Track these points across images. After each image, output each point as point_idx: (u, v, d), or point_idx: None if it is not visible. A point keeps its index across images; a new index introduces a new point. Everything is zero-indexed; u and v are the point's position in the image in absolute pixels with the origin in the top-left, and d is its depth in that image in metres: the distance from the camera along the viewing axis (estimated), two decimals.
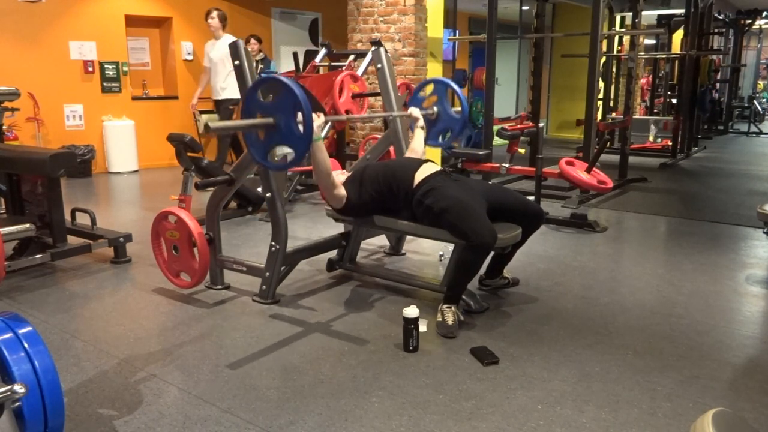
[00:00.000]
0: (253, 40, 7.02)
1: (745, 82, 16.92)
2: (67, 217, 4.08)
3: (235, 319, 3.05)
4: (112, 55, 7.56)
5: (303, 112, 2.51)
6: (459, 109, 3.81)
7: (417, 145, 3.54)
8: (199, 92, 7.00)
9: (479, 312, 3.09)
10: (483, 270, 3.30)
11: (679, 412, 2.21)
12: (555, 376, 2.47)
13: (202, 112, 8.06)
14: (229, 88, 6.55)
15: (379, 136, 4.17)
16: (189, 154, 4.28)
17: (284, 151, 2.74)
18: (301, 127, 2.56)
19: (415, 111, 3.59)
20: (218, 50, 6.48)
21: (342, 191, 3.09)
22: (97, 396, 2.33)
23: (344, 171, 3.33)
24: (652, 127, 10.18)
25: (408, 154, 3.55)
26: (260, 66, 6.91)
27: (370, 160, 3.79)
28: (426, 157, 3.41)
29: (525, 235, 3.13)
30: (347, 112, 5.01)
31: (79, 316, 3.12)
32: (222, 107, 6.71)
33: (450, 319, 2.83)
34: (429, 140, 3.80)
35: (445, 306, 2.89)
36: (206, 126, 2.50)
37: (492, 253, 3.15)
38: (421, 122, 3.58)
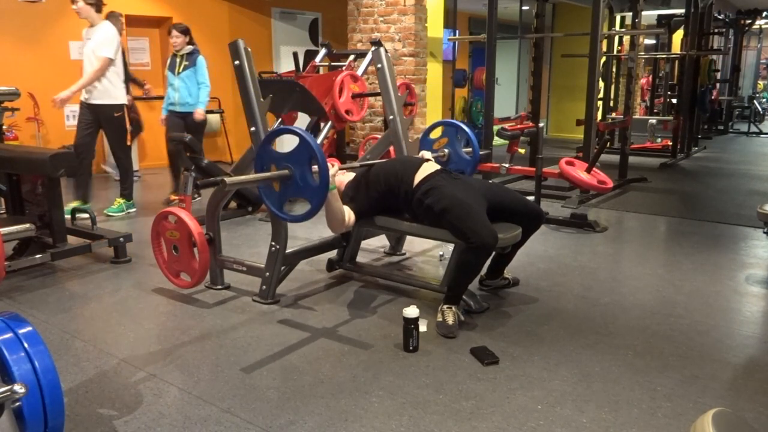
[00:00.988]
0: (175, 32, 5.45)
1: (745, 82, 16.92)
2: (67, 217, 4.08)
3: (235, 319, 3.05)
4: None
5: (319, 163, 2.54)
6: (470, 149, 3.83)
7: None
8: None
9: (479, 312, 3.09)
10: (483, 270, 3.30)
11: (679, 412, 2.21)
12: (555, 376, 2.47)
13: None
14: (103, 90, 5.02)
15: (379, 136, 4.17)
16: (189, 154, 4.28)
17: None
18: (316, 177, 2.59)
19: (426, 154, 3.59)
20: (93, 39, 5.00)
21: (353, 218, 3.06)
22: (97, 396, 2.33)
23: (344, 171, 3.33)
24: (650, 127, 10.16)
25: None
26: (184, 63, 5.50)
27: (370, 159, 3.80)
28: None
29: (525, 235, 3.13)
30: (347, 111, 5.01)
31: (79, 316, 3.12)
32: (105, 117, 5.08)
33: (450, 319, 2.84)
34: None
35: (445, 306, 2.89)
36: (223, 182, 2.58)
37: (493, 253, 3.16)
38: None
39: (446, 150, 3.84)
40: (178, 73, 5.50)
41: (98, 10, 5.03)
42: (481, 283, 3.42)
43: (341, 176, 3.28)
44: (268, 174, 2.69)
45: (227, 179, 2.59)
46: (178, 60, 5.54)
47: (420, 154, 3.63)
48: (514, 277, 3.49)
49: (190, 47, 5.54)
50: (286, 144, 2.83)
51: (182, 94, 5.52)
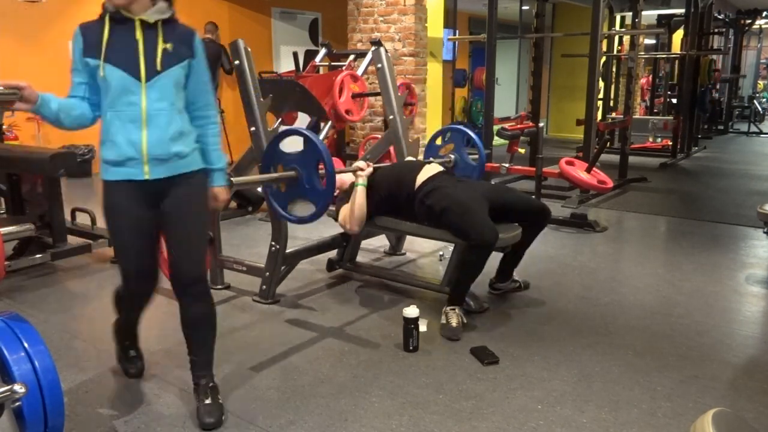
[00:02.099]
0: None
1: (745, 82, 16.92)
2: (67, 216, 4.08)
3: (235, 319, 3.05)
4: None
5: (326, 166, 2.54)
6: (476, 156, 3.80)
7: None
8: None
9: (479, 312, 3.09)
10: (493, 274, 3.30)
11: (679, 412, 2.21)
12: (555, 376, 2.47)
13: None
14: None
15: (379, 136, 4.17)
16: None
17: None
18: (323, 181, 2.60)
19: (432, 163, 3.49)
20: None
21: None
22: (97, 396, 2.33)
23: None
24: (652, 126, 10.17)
25: None
26: None
27: (369, 160, 3.80)
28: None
29: (532, 234, 3.12)
30: (347, 111, 5.01)
31: (79, 316, 3.12)
32: None
33: (454, 322, 2.83)
34: None
35: (448, 308, 2.89)
36: (229, 182, 2.29)
37: (500, 255, 3.15)
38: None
39: (452, 156, 3.80)
40: None
41: None
42: (491, 287, 3.38)
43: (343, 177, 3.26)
44: (276, 175, 2.70)
45: (233, 179, 2.57)
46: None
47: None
48: (524, 280, 3.43)
49: None
50: (288, 144, 2.82)
51: None
